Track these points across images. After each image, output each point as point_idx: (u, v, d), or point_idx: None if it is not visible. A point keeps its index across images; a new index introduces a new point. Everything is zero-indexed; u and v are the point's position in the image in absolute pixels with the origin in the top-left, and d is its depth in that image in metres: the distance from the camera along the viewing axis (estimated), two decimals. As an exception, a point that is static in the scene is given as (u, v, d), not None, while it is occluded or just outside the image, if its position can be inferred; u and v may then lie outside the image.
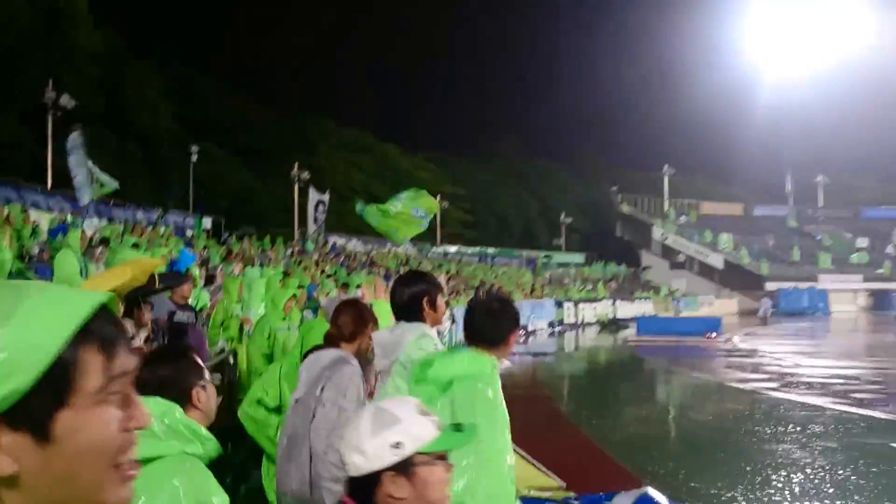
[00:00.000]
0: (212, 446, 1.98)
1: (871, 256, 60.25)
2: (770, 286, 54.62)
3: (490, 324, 2.79)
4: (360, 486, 1.67)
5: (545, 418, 11.89)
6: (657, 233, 62.21)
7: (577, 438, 10.06)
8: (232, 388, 7.38)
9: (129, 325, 4.47)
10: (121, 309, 4.62)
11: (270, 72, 77.72)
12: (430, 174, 64.03)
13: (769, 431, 10.32)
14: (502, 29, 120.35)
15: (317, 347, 3.53)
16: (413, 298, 3.16)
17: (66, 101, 26.34)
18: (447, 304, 15.61)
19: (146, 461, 1.84)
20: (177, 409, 1.96)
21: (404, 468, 1.66)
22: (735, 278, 57.19)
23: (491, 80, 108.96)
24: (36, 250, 14.33)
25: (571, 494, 6.79)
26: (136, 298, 4.44)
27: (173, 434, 1.89)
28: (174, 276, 5.95)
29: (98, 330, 0.80)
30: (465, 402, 2.53)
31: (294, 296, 7.49)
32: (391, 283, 3.44)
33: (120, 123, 36.70)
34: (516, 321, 2.89)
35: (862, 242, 62.34)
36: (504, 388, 10.92)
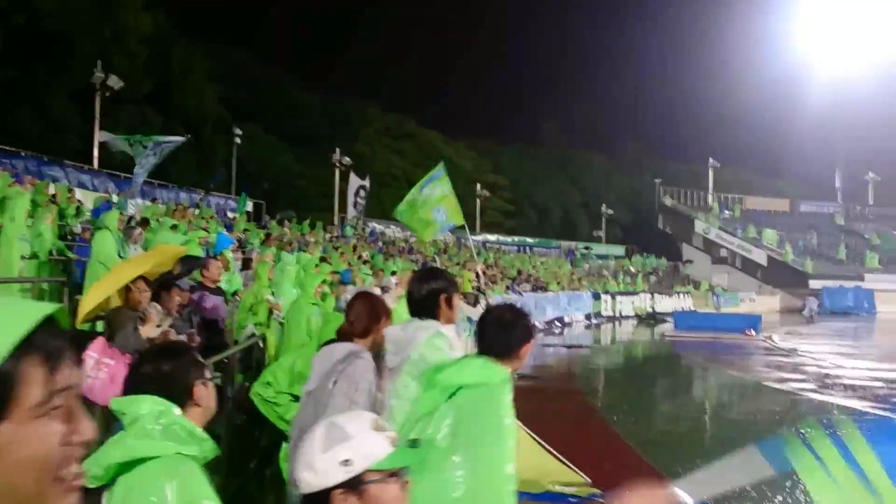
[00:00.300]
0: (208, 447, 1.98)
1: (921, 256, 58.72)
2: (814, 284, 53.47)
3: (502, 335, 2.72)
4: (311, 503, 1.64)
5: (576, 413, 11.83)
6: (700, 226, 61.27)
7: (607, 434, 9.98)
8: (259, 373, 7.44)
9: (155, 311, 4.52)
10: (148, 295, 4.69)
11: (315, 56, 78.15)
12: (472, 162, 63.88)
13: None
14: (548, 17, 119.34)
15: (331, 341, 3.52)
16: (431, 295, 3.12)
17: (113, 81, 26.78)
18: (482, 292, 15.55)
19: (140, 461, 1.84)
20: (173, 409, 1.96)
21: (355, 486, 1.61)
22: (778, 275, 56.12)
23: (534, 69, 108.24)
24: (79, 229, 14.62)
25: (596, 491, 6.74)
26: (164, 284, 4.48)
27: (169, 435, 1.89)
28: (193, 261, 5.99)
29: (42, 343, 0.79)
30: (470, 411, 2.48)
31: (324, 281, 7.51)
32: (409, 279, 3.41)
33: (166, 105, 37.22)
34: (529, 333, 2.81)
35: (912, 242, 60.78)
36: (537, 379, 10.89)
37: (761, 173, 78.55)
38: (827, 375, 16.61)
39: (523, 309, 2.89)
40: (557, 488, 6.75)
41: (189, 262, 5.78)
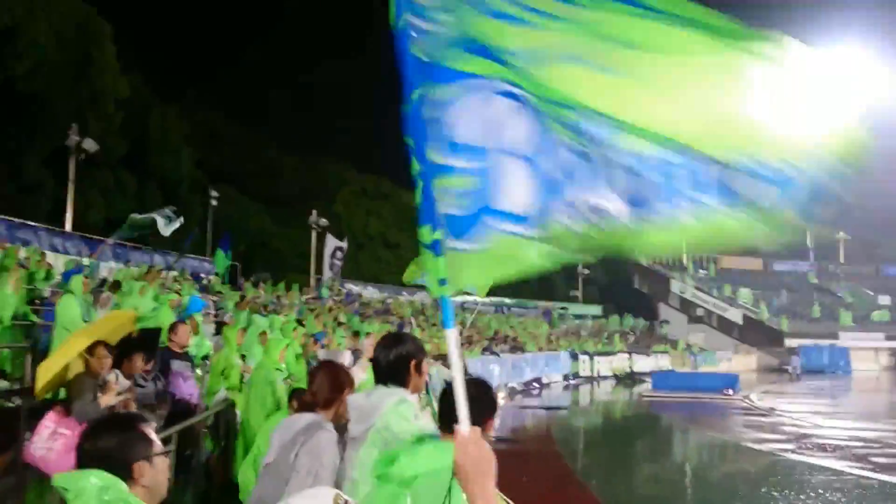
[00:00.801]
0: None
1: (892, 314, 59.31)
2: (790, 343, 53.79)
3: (440, 408, 2.60)
4: None
5: (554, 476, 11.62)
6: (676, 286, 61.69)
7: (585, 498, 9.79)
8: (228, 440, 7.25)
9: (114, 379, 4.39)
10: (109, 362, 4.56)
11: (291, 118, 78.81)
12: (448, 223, 64.01)
13: (785, 496, 9.99)
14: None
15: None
16: (400, 360, 3.00)
17: (89, 144, 26.71)
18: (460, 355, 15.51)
19: None
20: (120, 485, 1.85)
21: None
22: (754, 334, 56.42)
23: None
24: (48, 293, 14.37)
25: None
26: (125, 349, 4.36)
27: None
28: (151, 335, 5.80)
29: None
30: (428, 498, 2.34)
31: (288, 345, 7.37)
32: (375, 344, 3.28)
33: (141, 167, 37.13)
34: (493, 407, 2.69)
35: (884, 300, 61.44)
36: (515, 442, 10.82)
37: (734, 233, 79.47)
38: (805, 435, 16.53)
39: (487, 382, 2.76)
40: (535, 557, 6.56)
41: (148, 339, 5.60)
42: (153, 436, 2.00)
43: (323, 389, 3.32)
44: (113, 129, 34.13)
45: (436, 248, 1.81)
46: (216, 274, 29.02)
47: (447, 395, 2.60)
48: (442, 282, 1.82)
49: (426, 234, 1.82)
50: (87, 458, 1.91)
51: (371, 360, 3.10)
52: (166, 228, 15.84)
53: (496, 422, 2.72)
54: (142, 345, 4.96)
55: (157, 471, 1.96)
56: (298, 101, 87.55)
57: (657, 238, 1.90)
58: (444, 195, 1.83)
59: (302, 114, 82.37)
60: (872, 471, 11.87)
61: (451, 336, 1.80)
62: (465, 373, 2.75)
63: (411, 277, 8.71)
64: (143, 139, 37.97)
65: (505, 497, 7.26)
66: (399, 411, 2.81)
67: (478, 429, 1.71)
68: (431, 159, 1.83)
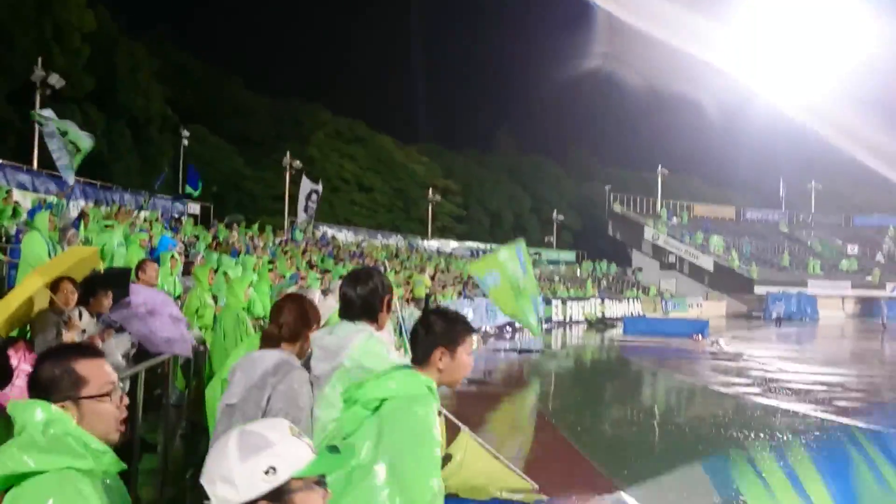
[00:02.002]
0: (107, 460, 1.79)
1: (860, 263, 60.33)
2: (759, 290, 54.63)
3: (418, 342, 2.55)
4: None
5: (525, 418, 11.77)
6: (649, 233, 62.08)
7: (555, 440, 9.92)
8: (201, 380, 7.20)
9: (77, 315, 4.29)
10: (75, 297, 4.45)
11: (266, 59, 77.29)
12: (424, 167, 63.76)
13: (750, 437, 10.20)
14: (502, 24, 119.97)
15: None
16: (372, 295, 2.92)
17: (55, 80, 26.01)
18: (433, 297, 15.57)
19: (27, 476, 1.65)
20: (67, 419, 1.77)
21: (278, 496, 1.48)
22: (725, 281, 57.17)
23: (488, 75, 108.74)
24: (14, 231, 14.11)
25: (543, 498, 6.65)
26: (91, 286, 4.25)
27: (59, 446, 1.70)
28: (119, 275, 5.64)
29: None
30: (392, 424, 2.31)
31: (251, 283, 7.28)
32: (342, 280, 3.17)
33: (109, 104, 36.30)
34: (468, 326, 2.63)
35: (852, 249, 62.39)
36: (487, 384, 10.82)
37: (708, 181, 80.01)
38: (771, 379, 16.87)
39: (455, 313, 2.68)
40: (504, 495, 6.64)
41: (114, 278, 5.42)
42: (88, 371, 1.87)
43: (289, 322, 3.16)
44: (79, 65, 33.25)
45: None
46: (188, 215, 28.69)
47: (418, 330, 2.55)
48: None
49: None
50: (35, 387, 1.83)
51: (341, 294, 2.99)
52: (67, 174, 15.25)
53: (473, 341, 2.67)
54: (108, 283, 4.84)
55: (107, 405, 1.86)
56: (271, 40, 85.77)
57: None
58: None
59: (275, 54, 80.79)
60: (834, 414, 12.15)
61: None
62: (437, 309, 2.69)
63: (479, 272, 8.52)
64: (111, 75, 37.04)
65: (477, 437, 7.31)
66: (369, 347, 2.74)
67: None
68: None
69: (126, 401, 1.93)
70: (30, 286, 4.29)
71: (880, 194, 74.81)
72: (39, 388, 1.82)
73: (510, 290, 7.97)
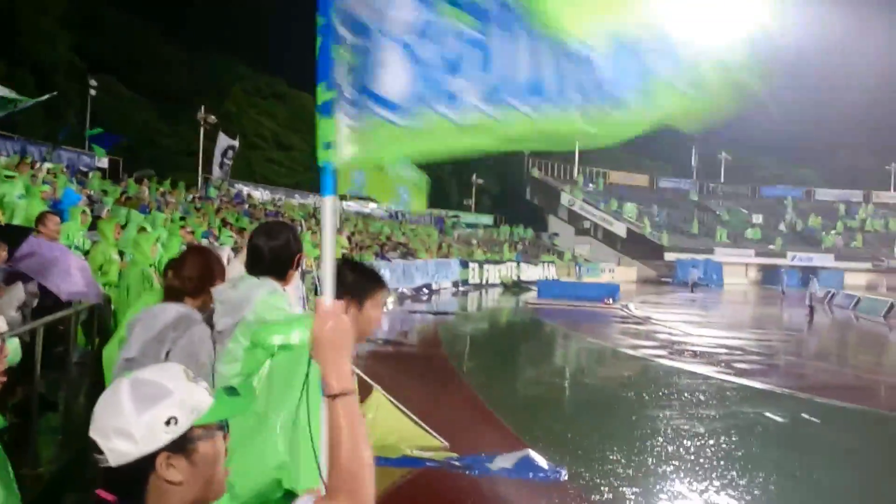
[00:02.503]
0: None
1: (764, 232, 62.92)
2: (669, 256, 56.44)
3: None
4: (124, 476, 1.39)
5: (438, 378, 11.88)
6: (565, 198, 63.14)
7: (467, 399, 10.06)
8: (104, 337, 6.97)
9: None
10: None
11: (181, 8, 74.30)
12: (344, 126, 62.75)
13: (655, 398, 10.58)
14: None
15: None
16: (284, 250, 2.84)
17: (-51, 21, 24.41)
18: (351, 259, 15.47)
19: None
20: None
21: (181, 446, 1.41)
22: (637, 247, 58.78)
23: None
24: None
25: (453, 455, 6.76)
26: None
27: None
28: (17, 233, 5.34)
29: None
30: (283, 369, 2.29)
31: (158, 238, 7.07)
32: (252, 232, 3.08)
33: (11, 50, 34.35)
34: (378, 280, 2.60)
35: (757, 219, 64.99)
36: (402, 345, 10.82)
37: (624, 149, 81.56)
38: (676, 342, 17.50)
39: (367, 267, 2.67)
40: (415, 453, 6.71)
41: (14, 236, 5.11)
42: None
43: (192, 275, 3.08)
44: (-23, 7, 31.29)
45: (326, 108, 1.73)
46: (96, 169, 27.59)
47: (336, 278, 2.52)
48: (327, 145, 1.73)
49: (319, 92, 1.74)
50: None
51: (250, 247, 2.89)
52: None
53: (385, 297, 2.64)
54: (3, 237, 4.58)
55: None
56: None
57: (552, 129, 1.82)
58: (338, 64, 1.73)
59: (192, 4, 77.72)
60: (734, 375, 12.72)
61: (328, 203, 1.78)
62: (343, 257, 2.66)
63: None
64: (13, 19, 34.98)
65: (388, 396, 7.32)
66: (271, 302, 2.68)
67: (341, 303, 1.68)
68: (332, 21, 1.72)
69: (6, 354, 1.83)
70: None
71: (785, 166, 78.14)
72: None
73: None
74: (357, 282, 2.51)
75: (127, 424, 1.38)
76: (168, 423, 1.40)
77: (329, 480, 1.51)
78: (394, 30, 1.73)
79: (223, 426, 1.51)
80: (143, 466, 1.39)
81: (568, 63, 1.80)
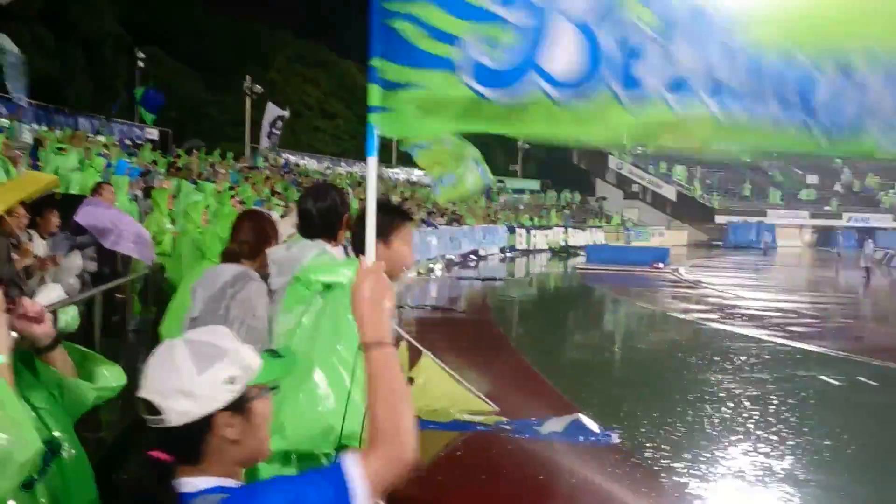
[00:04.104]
0: None
1: (819, 193, 61.34)
2: (720, 219, 55.47)
3: (354, 233, 2.58)
4: (182, 436, 1.42)
5: (487, 344, 11.90)
6: (613, 162, 62.30)
7: (516, 364, 10.07)
8: (160, 305, 7.12)
9: (31, 236, 4.17)
10: (25, 221, 4.32)
11: (225, -22, 74.59)
12: (388, 93, 62.68)
13: (706, 362, 10.45)
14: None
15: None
16: (332, 212, 2.88)
17: (1, -2, 24.86)
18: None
19: None
20: None
21: (239, 405, 1.45)
22: (687, 210, 57.85)
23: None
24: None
25: (503, 419, 6.77)
26: (37, 206, 4.11)
27: None
28: (71, 199, 5.44)
29: None
30: (331, 309, 2.33)
31: (207, 207, 7.16)
32: (300, 196, 3.15)
33: (59, 23, 34.90)
34: (403, 214, 2.67)
35: (812, 179, 63.32)
36: (450, 311, 10.83)
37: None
38: (728, 306, 17.25)
39: (390, 203, 2.75)
40: (465, 417, 6.75)
41: (67, 204, 5.22)
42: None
43: (248, 238, 3.22)
44: (27, -18, 31.80)
45: (372, 74, 1.86)
46: (146, 140, 28.04)
47: (360, 218, 2.54)
48: (372, 109, 1.83)
49: (374, 62, 1.86)
50: None
51: (299, 209, 2.96)
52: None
53: (409, 232, 2.68)
54: (55, 202, 4.69)
55: None
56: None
57: (734, 135, 1.79)
58: (482, 43, 1.76)
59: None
60: (788, 339, 12.48)
61: (371, 163, 1.85)
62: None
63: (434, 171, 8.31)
64: (60, -7, 35.54)
65: (439, 362, 7.34)
66: (321, 261, 2.73)
67: (381, 263, 1.71)
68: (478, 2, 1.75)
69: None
70: (15, 188, 4.11)
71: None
72: None
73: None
74: (381, 219, 2.52)
75: (189, 384, 1.40)
76: (228, 382, 1.43)
77: (369, 435, 1.52)
78: (571, 10, 1.73)
79: (274, 386, 1.55)
80: (203, 426, 1.42)
81: (776, 73, 1.71)
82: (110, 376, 2.07)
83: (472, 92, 1.77)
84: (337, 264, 2.51)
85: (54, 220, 4.53)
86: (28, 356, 1.84)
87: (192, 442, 1.43)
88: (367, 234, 1.77)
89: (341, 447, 2.18)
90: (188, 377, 1.41)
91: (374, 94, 1.84)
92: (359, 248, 2.53)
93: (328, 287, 2.40)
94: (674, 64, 1.70)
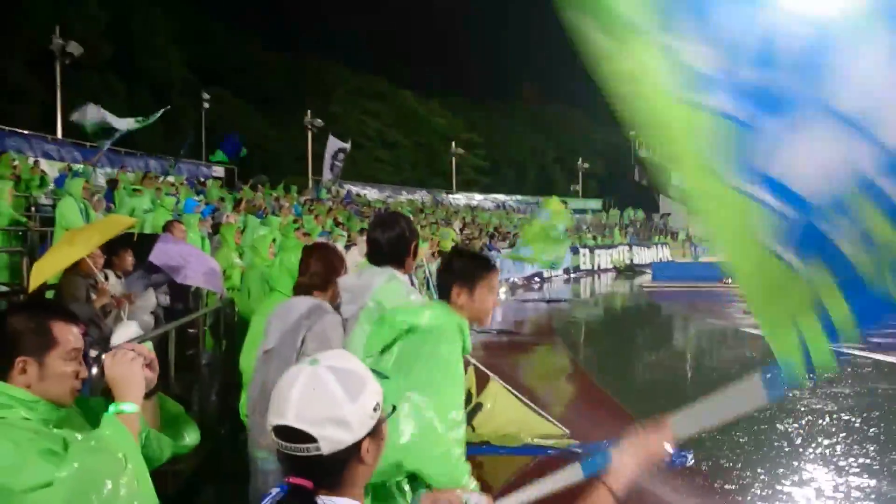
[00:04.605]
0: (44, 409, 1.81)
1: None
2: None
3: (439, 282, 2.58)
4: (330, 463, 1.44)
5: (556, 366, 11.81)
6: (676, 177, 61.17)
7: (586, 386, 9.95)
8: (231, 339, 7.28)
9: (107, 276, 4.33)
10: (101, 261, 4.49)
11: (283, 16, 76.64)
12: (446, 120, 63.33)
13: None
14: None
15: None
16: (400, 240, 2.95)
17: (73, 47, 26.05)
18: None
19: None
20: None
21: (376, 430, 1.49)
22: (755, 223, 56.48)
23: (507, 24, 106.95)
24: (43, 199, 14.30)
25: (575, 442, 6.70)
26: (114, 247, 4.27)
27: None
28: (145, 238, 5.63)
29: None
30: (410, 352, 2.34)
31: (274, 240, 7.30)
32: (369, 223, 3.24)
33: (129, 70, 36.34)
34: (487, 264, 2.65)
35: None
36: (516, 334, 10.77)
37: (736, 122, 78.57)
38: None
39: (474, 253, 2.74)
40: (536, 441, 6.70)
41: (142, 242, 5.41)
42: (60, 333, 1.88)
43: (317, 270, 3.29)
44: (97, 31, 33.24)
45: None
46: (213, 178, 28.83)
47: (445, 267, 2.61)
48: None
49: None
50: None
51: (368, 239, 3.02)
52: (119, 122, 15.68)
53: (494, 280, 2.67)
54: (129, 241, 4.87)
55: (59, 372, 1.86)
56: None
57: None
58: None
59: (291, 11, 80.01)
60: (868, 350, 12.02)
61: None
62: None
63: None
64: (129, 41, 37.00)
65: (507, 386, 7.31)
66: (390, 288, 2.78)
67: None
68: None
69: (83, 373, 1.92)
70: (76, 252, 4.27)
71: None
72: (5, 338, 1.84)
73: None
74: (465, 268, 2.57)
75: (343, 414, 1.42)
76: (375, 409, 1.47)
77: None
78: (833, 100, 1.27)
79: (394, 408, 1.59)
80: (351, 452, 1.45)
81: None
82: (189, 434, 2.14)
83: None
84: (420, 307, 2.54)
85: (129, 259, 4.71)
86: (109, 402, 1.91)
87: (338, 468, 1.46)
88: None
89: (412, 476, 2.20)
90: (342, 406, 1.42)
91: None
92: (443, 293, 2.57)
93: (410, 330, 2.41)
94: None
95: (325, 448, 1.41)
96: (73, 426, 1.86)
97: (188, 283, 6.35)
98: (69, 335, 1.89)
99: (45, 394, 1.84)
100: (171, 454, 2.06)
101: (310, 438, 1.41)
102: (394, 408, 1.59)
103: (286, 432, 1.42)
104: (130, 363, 1.89)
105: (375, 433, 1.48)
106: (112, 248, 4.55)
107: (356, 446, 1.44)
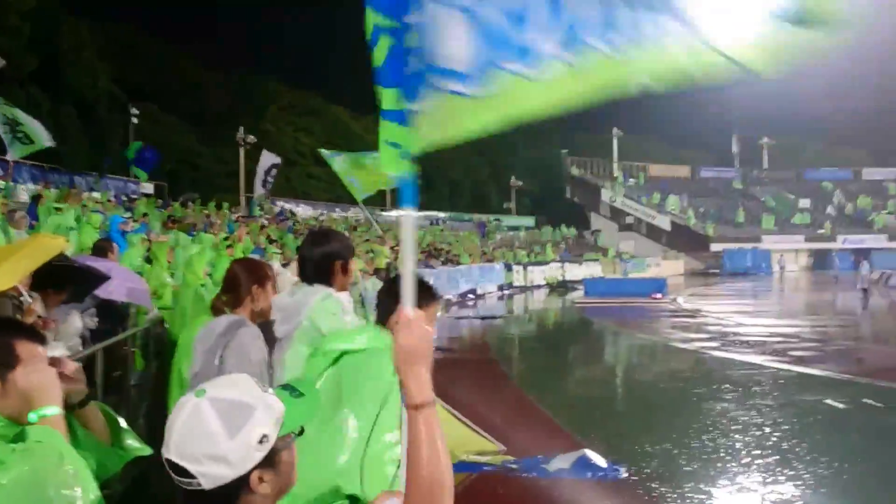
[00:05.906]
0: (2, 425, 1.80)
1: (812, 217, 61.62)
2: (715, 247, 55.64)
3: (379, 306, 2.56)
4: (215, 498, 1.39)
5: (490, 382, 11.87)
6: (606, 195, 62.63)
7: (520, 402, 10.04)
8: (162, 360, 7.12)
9: (34, 302, 4.20)
10: (29, 282, 4.34)
11: (214, 33, 75.71)
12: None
13: (710, 390, 10.43)
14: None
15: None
16: (326, 258, 2.89)
17: (-6, 60, 25.17)
18: (395, 268, 15.48)
19: None
20: None
21: (270, 460, 1.43)
22: (681, 240, 58.03)
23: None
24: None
25: (510, 458, 6.75)
26: (48, 275, 4.13)
27: None
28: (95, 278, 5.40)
29: None
30: (351, 375, 2.32)
31: (209, 259, 7.20)
32: (302, 240, 3.19)
33: (54, 85, 35.29)
34: (433, 294, 2.63)
35: (804, 203, 63.63)
36: (451, 351, 10.79)
37: (663, 142, 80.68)
38: (728, 333, 17.24)
39: (420, 280, 2.72)
40: (471, 458, 6.72)
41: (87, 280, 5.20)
42: (24, 352, 1.86)
43: (238, 283, 3.21)
44: (20, 44, 32.20)
45: (402, 117, 1.65)
46: (141, 194, 28.18)
47: (388, 288, 2.55)
48: (405, 154, 1.69)
49: (391, 99, 1.65)
50: None
51: (299, 256, 2.99)
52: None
53: (437, 309, 2.67)
54: (74, 279, 4.71)
55: (21, 392, 1.83)
56: (220, 14, 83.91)
57: (645, 65, 1.63)
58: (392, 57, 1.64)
59: (223, 26, 79.17)
60: (790, 363, 12.48)
61: (409, 218, 1.73)
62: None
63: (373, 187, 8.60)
64: (54, 54, 35.94)
65: (442, 402, 7.35)
66: (325, 307, 2.74)
67: (422, 312, 1.64)
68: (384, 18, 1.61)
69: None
70: (10, 276, 4.09)
71: (830, 148, 76.54)
72: None
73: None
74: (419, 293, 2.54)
75: (221, 450, 1.37)
76: (260, 441, 1.40)
77: (408, 491, 1.52)
78: None
79: (301, 432, 1.53)
80: (237, 486, 1.40)
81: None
82: (138, 445, 2.12)
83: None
84: (353, 332, 2.50)
85: (57, 298, 4.57)
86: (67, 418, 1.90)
87: (227, 500, 1.41)
88: (405, 283, 1.66)
89: (353, 498, 2.20)
90: (220, 442, 1.37)
91: (410, 138, 1.70)
92: (383, 318, 2.47)
93: (343, 354, 2.38)
94: (559, 16, 1.60)
95: (206, 484, 1.37)
96: None
97: (112, 297, 6.20)
98: (33, 354, 1.88)
99: (5, 410, 1.83)
100: (130, 457, 2.05)
101: (190, 474, 1.37)
102: (302, 429, 1.52)
103: (171, 465, 1.39)
104: (43, 371, 1.86)
105: (270, 463, 1.42)
106: (44, 282, 4.38)
107: (243, 479, 1.39)
